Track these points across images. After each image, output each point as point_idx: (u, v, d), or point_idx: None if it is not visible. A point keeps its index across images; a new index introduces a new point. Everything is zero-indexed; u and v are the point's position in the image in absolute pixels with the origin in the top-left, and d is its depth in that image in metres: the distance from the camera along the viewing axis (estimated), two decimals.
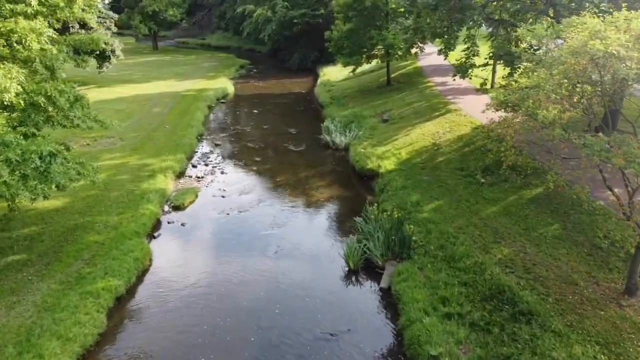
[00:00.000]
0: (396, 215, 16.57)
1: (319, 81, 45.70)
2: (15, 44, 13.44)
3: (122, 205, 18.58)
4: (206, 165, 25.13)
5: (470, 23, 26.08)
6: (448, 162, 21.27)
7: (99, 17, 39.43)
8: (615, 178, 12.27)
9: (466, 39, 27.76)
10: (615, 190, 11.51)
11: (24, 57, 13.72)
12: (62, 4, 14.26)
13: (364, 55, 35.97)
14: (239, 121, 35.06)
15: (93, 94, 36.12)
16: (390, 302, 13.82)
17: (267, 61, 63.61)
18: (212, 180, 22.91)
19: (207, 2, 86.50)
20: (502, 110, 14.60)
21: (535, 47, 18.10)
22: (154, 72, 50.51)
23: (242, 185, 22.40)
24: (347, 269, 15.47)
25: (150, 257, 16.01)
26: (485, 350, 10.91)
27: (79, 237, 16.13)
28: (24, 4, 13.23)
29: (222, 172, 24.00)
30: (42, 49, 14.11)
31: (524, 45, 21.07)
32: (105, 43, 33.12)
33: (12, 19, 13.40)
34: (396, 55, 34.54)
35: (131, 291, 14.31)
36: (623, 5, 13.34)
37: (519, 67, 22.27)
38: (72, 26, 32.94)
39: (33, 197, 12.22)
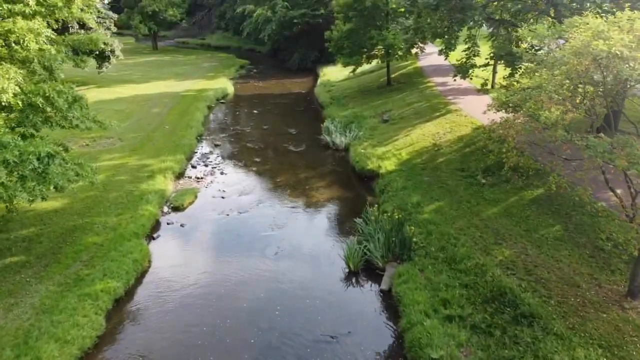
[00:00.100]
0: (397, 217, 16.49)
1: (319, 81, 45.61)
2: (13, 44, 13.35)
3: (121, 206, 18.49)
4: (206, 165, 25.04)
5: (471, 23, 25.99)
6: (449, 163, 21.19)
7: (99, 17, 39.31)
8: (618, 180, 12.16)
9: (467, 39, 27.68)
10: (618, 191, 11.43)
11: (22, 57, 13.64)
12: (60, 4, 14.17)
13: (364, 56, 35.89)
14: (238, 121, 34.97)
15: (92, 94, 36.09)
16: (390, 304, 13.73)
17: (267, 61, 63.53)
18: (211, 181, 22.82)
19: (207, 2, 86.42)
20: (503, 111, 14.53)
21: (537, 48, 18.03)
22: (154, 72, 50.42)
23: (241, 185, 22.31)
24: (347, 270, 15.38)
25: (149, 258, 15.91)
26: (486, 353, 10.82)
27: (77, 238, 16.04)
28: (22, 4, 13.14)
29: (222, 173, 23.92)
30: (40, 49, 14.03)
31: (524, 45, 21.00)
32: (104, 43, 33.02)
33: (10, 19, 13.32)
34: (396, 56, 34.46)
35: (130, 293, 14.22)
36: (626, 5, 13.26)
37: (520, 68, 22.23)
38: (72, 26, 32.86)
39: (31, 198, 12.14)
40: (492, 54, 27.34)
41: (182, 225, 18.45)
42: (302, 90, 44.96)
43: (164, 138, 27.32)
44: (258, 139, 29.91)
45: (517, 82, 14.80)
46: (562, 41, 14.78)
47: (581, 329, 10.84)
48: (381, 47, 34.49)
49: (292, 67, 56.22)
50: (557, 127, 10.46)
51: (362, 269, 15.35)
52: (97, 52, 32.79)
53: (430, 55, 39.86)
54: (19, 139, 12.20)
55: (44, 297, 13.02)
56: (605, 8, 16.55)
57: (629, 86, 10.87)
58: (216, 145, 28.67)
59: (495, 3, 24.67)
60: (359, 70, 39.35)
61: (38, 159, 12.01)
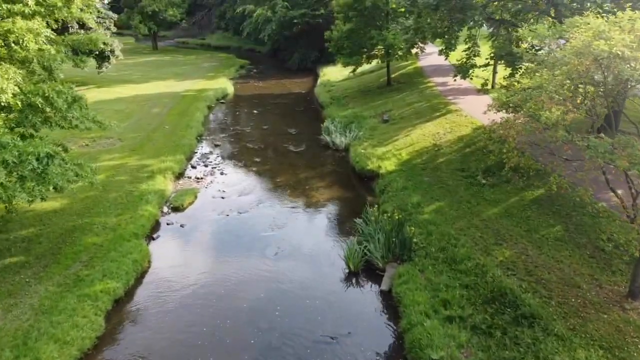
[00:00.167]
0: (397, 217, 16.45)
1: (319, 81, 45.57)
2: (12, 44, 13.31)
3: (121, 206, 18.46)
4: (205, 166, 25.01)
5: (471, 23, 25.95)
6: (449, 163, 21.15)
7: (98, 17, 39.28)
8: (619, 180, 12.13)
9: (467, 39, 27.64)
10: (619, 192, 11.40)
11: (22, 57, 13.60)
12: (59, 4, 14.13)
13: (364, 56, 35.85)
14: (238, 121, 34.94)
15: (92, 94, 36.07)
16: (390, 304, 13.69)
17: (267, 61, 63.49)
18: (211, 181, 22.79)
19: (207, 2, 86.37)
20: (504, 111, 14.50)
21: (537, 48, 18.00)
22: (154, 72, 50.39)
23: (241, 186, 22.28)
24: (347, 270, 15.35)
25: (149, 258, 15.88)
26: (487, 354, 10.79)
27: (77, 238, 16.00)
28: (21, 4, 13.10)
29: (222, 173, 23.89)
30: (40, 50, 13.99)
31: (525, 45, 20.95)
32: (104, 43, 32.99)
33: (10, 19, 13.28)
34: (396, 56, 34.42)
35: (130, 293, 14.18)
36: (627, 5, 13.23)
37: (521, 68, 22.19)
38: (71, 26, 32.84)
39: (30, 198, 12.11)
40: (492, 54, 27.31)
41: (181, 226, 18.42)
42: (302, 90, 44.92)
43: (163, 138, 27.29)
44: (258, 139, 29.87)
45: (518, 82, 14.76)
46: (562, 41, 14.75)
47: (582, 330, 10.81)
48: (381, 47, 34.46)
49: (292, 67, 56.19)
50: (558, 128, 10.43)
51: (362, 270, 15.31)
52: (97, 52, 32.77)
53: (431, 55, 39.83)
54: (18, 139, 12.16)
55: (43, 298, 12.99)
56: (607, 8, 16.50)
57: (629, 86, 10.84)
58: (216, 146, 28.64)
59: (496, 3, 24.64)
60: (359, 70, 39.32)
61: (37, 160, 11.98)
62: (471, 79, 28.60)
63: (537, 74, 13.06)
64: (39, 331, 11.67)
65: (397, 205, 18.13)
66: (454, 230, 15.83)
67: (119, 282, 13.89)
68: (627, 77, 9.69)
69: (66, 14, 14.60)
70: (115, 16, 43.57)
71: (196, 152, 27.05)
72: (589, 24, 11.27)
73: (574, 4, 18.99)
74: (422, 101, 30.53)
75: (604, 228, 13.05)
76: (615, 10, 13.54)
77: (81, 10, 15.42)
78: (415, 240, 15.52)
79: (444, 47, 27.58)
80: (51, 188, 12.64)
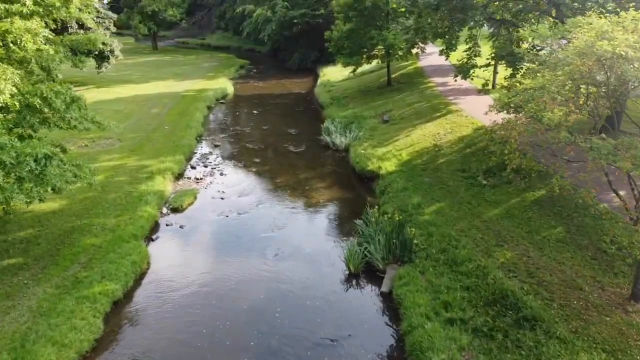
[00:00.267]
0: (397, 218, 16.34)
1: (319, 81, 45.48)
2: (11, 45, 13.22)
3: (120, 207, 18.36)
4: (205, 166, 24.92)
5: (472, 23, 25.86)
6: (449, 164, 21.06)
7: (98, 17, 39.19)
8: (622, 182, 12.04)
9: (468, 39, 27.55)
10: (621, 193, 11.31)
11: (20, 57, 13.51)
12: (58, 4, 14.04)
13: (364, 56, 35.76)
14: (238, 122, 34.85)
15: (92, 95, 36.01)
16: (391, 306, 13.60)
17: (267, 61, 63.41)
18: (211, 182, 22.69)
19: (206, 2, 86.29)
20: (505, 112, 14.41)
21: (538, 48, 17.92)
22: (153, 72, 50.31)
23: (241, 186, 22.19)
24: (347, 272, 15.26)
25: (148, 260, 15.78)
26: (488, 357, 10.69)
27: (75, 240, 15.91)
28: (19, 4, 13.00)
29: (222, 174, 23.79)
30: (38, 50, 13.90)
31: (526, 45, 20.86)
32: (103, 43, 32.89)
33: (8, 19, 13.19)
34: (396, 56, 34.33)
35: (128, 295, 14.09)
36: (630, 5, 13.14)
37: (522, 68, 22.11)
38: (71, 26, 32.73)
39: (28, 200, 12.02)
40: (493, 55, 27.22)
41: (181, 227, 18.33)
42: (302, 90, 44.83)
43: (163, 138, 27.20)
44: (258, 140, 29.78)
45: (520, 82, 14.67)
46: (564, 41, 14.67)
47: (584, 332, 10.71)
48: (381, 47, 34.37)
49: (292, 67, 56.10)
50: (561, 129, 10.33)
51: (363, 271, 15.22)
52: (96, 53, 32.66)
53: (431, 55, 39.73)
54: (16, 140, 12.07)
55: (41, 300, 12.90)
56: (609, 8, 16.40)
57: (632, 87, 10.75)
58: (216, 146, 28.55)
59: (497, 3, 24.54)
60: (359, 70, 39.23)
61: (35, 161, 11.88)
62: (472, 79, 28.50)
63: (538, 74, 12.98)
64: (37, 334, 11.57)
65: (397, 206, 18.04)
66: (455, 232, 15.74)
67: (117, 284, 13.80)
68: (631, 78, 9.60)
69: (64, 14, 14.51)
70: (114, 16, 43.47)
71: (196, 153, 26.96)
72: (591, 24, 11.18)
73: (576, 4, 18.88)
74: (423, 101, 30.45)
75: (606, 230, 12.98)
76: (618, 10, 13.44)
77: (80, 10, 15.31)
78: (415, 241, 15.42)
79: (444, 47, 27.48)
80: (49, 189, 12.55)
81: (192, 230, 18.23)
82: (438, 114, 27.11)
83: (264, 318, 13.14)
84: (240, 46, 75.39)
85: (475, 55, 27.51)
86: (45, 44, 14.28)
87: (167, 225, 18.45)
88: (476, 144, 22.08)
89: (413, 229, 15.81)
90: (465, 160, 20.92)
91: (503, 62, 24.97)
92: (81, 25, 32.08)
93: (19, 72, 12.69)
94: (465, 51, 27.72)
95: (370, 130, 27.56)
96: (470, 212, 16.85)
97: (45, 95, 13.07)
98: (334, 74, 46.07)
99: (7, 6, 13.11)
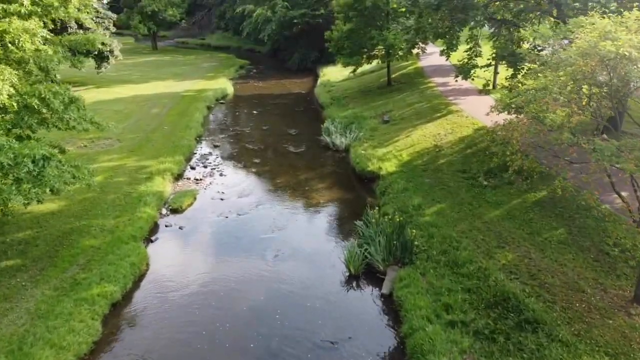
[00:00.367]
0: (397, 219, 16.25)
1: (319, 81, 45.38)
2: (9, 45, 13.13)
3: (119, 208, 18.27)
4: (205, 167, 24.82)
5: (472, 23, 25.76)
6: (450, 164, 20.97)
7: (98, 17, 39.08)
8: (625, 184, 11.94)
9: (468, 39, 27.45)
10: (623, 194, 11.21)
11: (18, 58, 13.41)
12: (56, 4, 13.94)
13: (365, 56, 35.68)
14: (238, 122, 34.76)
15: (91, 95, 35.92)
16: (392, 308, 13.51)
17: (266, 61, 63.29)
18: (210, 183, 22.60)
19: (206, 2, 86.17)
20: (506, 112, 14.31)
21: (539, 48, 17.82)
22: (153, 72, 50.21)
23: (241, 187, 22.10)
24: (347, 273, 15.17)
25: (147, 261, 15.69)
26: None
27: (74, 241, 15.82)
28: (17, 4, 12.90)
29: (221, 174, 23.69)
30: (36, 50, 13.80)
31: (527, 45, 20.76)
32: (103, 43, 32.78)
33: (6, 20, 13.09)
34: (397, 56, 34.24)
35: (127, 297, 14.00)
36: (634, 5, 13.03)
37: (523, 68, 22.01)
38: (70, 26, 32.64)
39: (26, 201, 11.94)
40: (493, 55, 27.13)
41: (180, 228, 18.23)
42: (302, 90, 44.74)
43: (162, 139, 27.11)
44: (258, 140, 29.69)
45: (522, 83, 14.57)
46: (565, 41, 14.58)
47: (587, 335, 10.62)
48: (381, 47, 34.28)
49: (292, 68, 55.99)
50: (563, 130, 10.24)
51: (363, 273, 15.13)
52: (96, 53, 32.56)
53: (431, 55, 39.63)
54: (14, 141, 11.97)
55: (39, 302, 12.82)
56: (612, 8, 16.29)
57: (635, 87, 10.65)
58: (215, 146, 28.46)
59: (497, 3, 24.44)
60: (359, 70, 39.14)
61: (33, 162, 11.79)
62: (472, 79, 28.41)
63: (539, 74, 12.88)
64: (35, 336, 11.49)
65: (397, 207, 17.95)
66: (456, 233, 15.65)
67: (116, 286, 13.71)
68: (634, 79, 9.50)
69: (63, 14, 14.41)
70: (114, 16, 43.33)
71: (195, 153, 26.86)
72: (594, 24, 11.08)
73: (577, 4, 18.78)
74: (423, 102, 30.35)
75: (609, 232, 12.85)
76: (621, 10, 13.33)
77: (78, 10, 15.21)
78: (416, 243, 15.34)
79: (445, 48, 27.39)
80: (48, 190, 12.45)
81: (192, 231, 18.14)
82: (438, 115, 27.01)
83: (264, 319, 13.06)
84: (240, 46, 75.27)
85: (476, 56, 27.42)
86: (44, 44, 14.18)
87: (166, 226, 18.36)
88: (477, 144, 22.00)
89: (414, 230, 15.72)
90: (466, 160, 20.83)
91: (504, 62, 24.87)
92: (80, 26, 31.98)
93: (17, 72, 12.59)
94: (466, 51, 27.63)
95: (370, 131, 27.46)
96: (471, 213, 16.75)
97: (43, 95, 12.97)
98: (334, 74, 45.98)
99: (5, 6, 13.01)
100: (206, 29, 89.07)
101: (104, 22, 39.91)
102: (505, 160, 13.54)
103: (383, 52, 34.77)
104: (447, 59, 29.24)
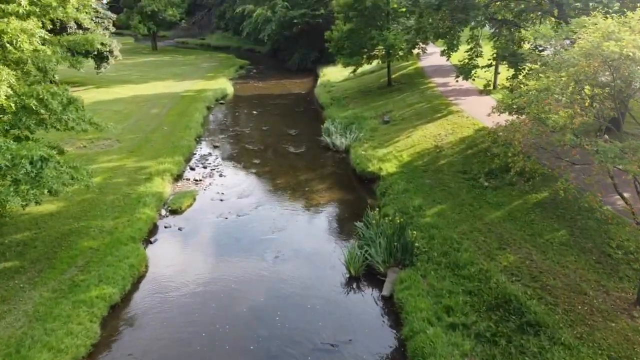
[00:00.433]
0: (398, 220, 16.16)
1: (319, 82, 45.30)
2: (7, 45, 13.03)
3: (118, 209, 18.18)
4: (204, 167, 24.72)
5: (473, 23, 25.68)
6: (451, 165, 20.88)
7: (97, 17, 38.97)
8: (629, 186, 11.84)
9: (469, 40, 27.36)
10: (625, 195, 11.11)
11: (16, 58, 13.31)
12: (54, 4, 13.85)
13: (365, 56, 35.60)
14: (238, 122, 34.67)
15: (91, 95, 35.85)
16: (392, 310, 13.41)
17: (266, 61, 63.22)
18: (210, 183, 22.50)
19: (206, 2, 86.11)
20: (507, 113, 14.21)
21: (541, 49, 17.72)
22: (153, 72, 50.13)
23: (241, 188, 22.00)
24: (348, 275, 15.07)
25: (146, 263, 15.60)
26: None
27: (73, 242, 15.73)
28: (15, 4, 12.81)
29: (221, 175, 23.60)
30: (35, 50, 13.70)
31: (527, 45, 20.67)
32: (102, 44, 32.66)
33: (4, 20, 13.00)
34: (397, 56, 34.15)
35: (126, 299, 13.90)
36: (638, 5, 12.93)
37: (524, 69, 21.92)
38: (70, 26, 32.54)
39: (24, 202, 11.85)
40: (494, 55, 27.04)
41: (180, 229, 18.14)
42: (302, 90, 44.65)
43: (162, 139, 27.02)
44: (257, 140, 29.60)
45: (523, 84, 14.48)
46: (567, 42, 14.48)
47: (589, 338, 10.53)
48: (382, 47, 34.19)
49: (292, 68, 55.90)
50: (566, 131, 10.14)
51: (363, 274, 15.04)
52: (95, 53, 32.45)
53: (431, 55, 39.56)
54: (11, 142, 11.88)
55: (37, 304, 12.72)
56: (615, 8, 16.18)
57: (638, 88, 10.55)
58: (215, 147, 28.37)
59: (498, 3, 24.35)
60: (359, 70, 39.06)
61: (31, 163, 11.71)
62: (473, 79, 28.32)
63: (540, 75, 12.78)
64: (33, 339, 11.40)
65: (398, 208, 17.85)
66: (457, 234, 15.56)
67: (115, 288, 13.62)
68: (638, 79, 9.40)
69: (61, 14, 14.32)
70: (114, 16, 43.21)
71: (195, 154, 26.77)
72: (596, 24, 10.98)
73: (578, 4, 18.69)
74: (423, 102, 30.26)
75: (611, 234, 12.77)
76: (624, 10, 13.22)
77: (77, 10, 15.12)
78: (417, 244, 15.25)
79: (446, 48, 27.30)
80: (46, 191, 12.38)
81: (191, 232, 18.04)
82: (439, 115, 26.92)
83: (264, 321, 12.97)
84: (240, 46, 75.22)
85: (476, 56, 27.34)
86: (43, 44, 14.08)
87: (165, 227, 18.26)
88: (477, 145, 21.90)
89: (414, 232, 15.63)
90: (467, 161, 20.74)
91: (505, 62, 24.79)
92: (80, 26, 31.87)
93: (14, 73, 12.49)
94: (467, 51, 27.54)
95: (370, 131, 27.37)
96: (472, 215, 16.66)
97: (41, 96, 12.89)
98: (334, 74, 45.90)
99: (3, 6, 12.91)
100: (206, 29, 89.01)
101: (103, 22, 39.81)
102: (506, 162, 13.45)
103: (383, 52, 34.69)
104: (447, 59, 29.16)
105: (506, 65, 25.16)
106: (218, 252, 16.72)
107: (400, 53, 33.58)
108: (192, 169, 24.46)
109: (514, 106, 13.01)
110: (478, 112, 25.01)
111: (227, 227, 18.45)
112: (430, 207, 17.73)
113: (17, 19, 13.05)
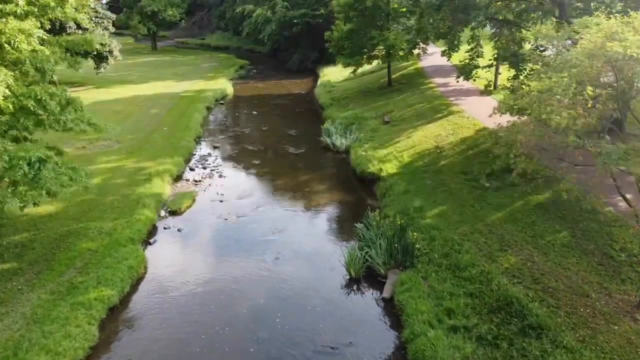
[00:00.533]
0: (399, 222, 16.05)
1: (319, 82, 45.21)
2: (5, 45, 12.92)
3: (117, 210, 18.09)
4: (204, 168, 24.63)
5: (474, 24, 25.59)
6: (451, 166, 20.78)
7: (97, 17, 38.85)
8: (625, 185, 11.75)
9: (470, 40, 27.28)
10: (627, 196, 11.02)
11: (14, 58, 13.20)
12: (52, 4, 13.74)
13: (365, 56, 35.52)
14: (238, 123, 34.59)
15: (91, 95, 35.78)
16: (393, 312, 13.31)
17: (266, 62, 63.12)
18: (210, 184, 22.41)
19: (206, 2, 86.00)
20: (508, 114, 14.11)
21: (542, 49, 17.63)
22: (153, 72, 50.04)
23: (240, 189, 21.91)
24: (348, 277, 14.98)
25: (145, 264, 15.51)
26: None
27: (71, 244, 15.64)
28: (13, 4, 12.71)
29: (221, 176, 23.50)
30: (33, 51, 13.60)
31: (528, 46, 20.58)
32: (101, 44, 32.52)
33: (3, 20, 12.89)
34: (397, 56, 34.06)
35: (125, 301, 13.81)
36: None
37: (525, 69, 21.83)
38: (69, 26, 32.42)
39: (22, 204, 11.77)
40: (495, 55, 26.95)
41: (179, 230, 18.04)
42: (302, 91, 44.56)
43: (162, 140, 26.93)
44: (257, 141, 29.51)
45: (527, 85, 14.36)
46: (569, 42, 14.38)
47: (592, 341, 10.43)
48: (382, 47, 34.11)
49: (292, 68, 55.79)
50: (569, 133, 10.04)
51: (364, 276, 14.94)
52: (95, 53, 32.34)
53: (432, 55, 39.47)
54: (9, 143, 11.79)
55: (35, 306, 12.63)
56: (619, 8, 16.08)
57: None
58: (215, 147, 28.28)
59: (499, 3, 24.26)
60: (360, 71, 38.96)
61: (29, 164, 11.61)
62: (474, 80, 28.23)
63: (542, 75, 12.67)
64: (30, 341, 11.31)
65: (398, 209, 17.76)
66: (458, 236, 15.46)
67: (113, 290, 13.52)
68: None
69: (59, 14, 14.21)
70: (113, 16, 43.03)
71: (195, 154, 26.68)
72: (599, 24, 10.88)
73: (580, 4, 18.60)
74: (424, 102, 30.16)
75: (613, 236, 12.67)
76: (627, 10, 13.11)
77: (76, 10, 15.02)
78: (417, 245, 15.15)
79: (447, 48, 27.21)
80: (44, 193, 12.29)
81: (191, 233, 17.95)
82: (439, 115, 26.83)
83: (264, 323, 12.88)
84: (239, 46, 75.14)
85: (477, 56, 27.24)
86: (41, 45, 13.97)
87: (165, 228, 18.17)
88: (478, 145, 21.81)
89: (415, 233, 15.53)
90: (468, 162, 20.64)
91: (506, 63, 24.71)
92: (79, 26, 31.75)
93: (12, 73, 12.38)
94: (468, 52, 27.44)
95: (371, 132, 27.28)
96: (473, 216, 16.57)
97: (39, 97, 12.78)
98: (334, 74, 45.80)
99: (0, 6, 12.80)
100: (206, 29, 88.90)
101: (103, 22, 39.66)
102: (508, 163, 13.34)
103: (383, 52, 34.62)
104: (448, 60, 29.07)
105: (507, 66, 25.07)
106: (218, 253, 16.63)
107: (401, 53, 33.52)
108: (191, 169, 24.37)
109: (516, 107, 12.90)
110: (479, 113, 24.92)
111: (226, 228, 18.36)
112: (431, 208, 17.63)
113: (15, 19, 12.95)
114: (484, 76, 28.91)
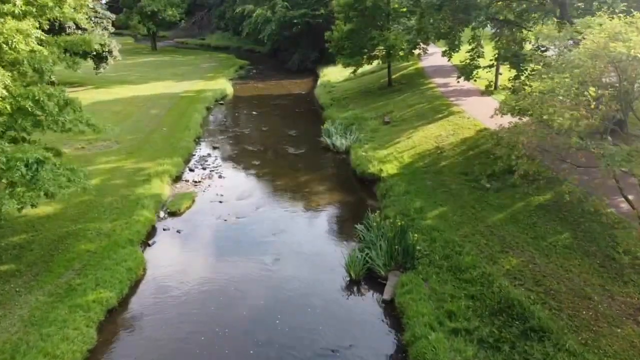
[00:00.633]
0: (399, 223, 15.94)
1: (319, 82, 45.13)
2: (3, 46, 12.83)
3: (116, 211, 17.99)
4: (204, 168, 24.53)
5: (474, 24, 25.50)
6: (452, 167, 20.70)
7: (96, 17, 38.78)
8: (627, 185, 11.64)
9: (470, 40, 27.19)
10: (629, 197, 10.92)
11: (12, 59, 13.11)
12: (51, 4, 13.65)
13: (365, 56, 35.44)
14: (237, 123, 34.50)
15: (90, 95, 35.70)
16: (393, 314, 13.22)
17: (266, 62, 63.05)
18: (209, 185, 22.31)
19: (206, 2, 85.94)
20: (509, 114, 14.01)
21: (543, 49, 17.53)
22: (152, 72, 49.96)
23: (240, 189, 21.82)
24: (348, 278, 14.88)
25: (144, 266, 15.41)
26: None
27: (70, 245, 15.54)
28: (10, 4, 12.62)
29: (220, 176, 23.41)
30: (31, 51, 13.51)
31: (529, 46, 20.49)
32: (101, 44, 32.44)
33: (1, 20, 12.80)
34: (397, 56, 33.98)
35: (123, 303, 13.69)
36: None
37: (526, 69, 21.74)
38: (68, 27, 32.34)
39: (19, 205, 11.67)
40: (496, 55, 26.86)
41: (178, 231, 17.95)
42: (302, 91, 44.47)
43: (161, 140, 26.84)
44: (257, 141, 29.42)
45: (528, 85, 14.27)
46: (570, 42, 14.29)
47: (594, 345, 10.33)
48: (382, 47, 34.03)
49: (292, 68, 55.71)
50: (571, 134, 9.95)
51: (364, 278, 14.83)
52: (94, 53, 32.25)
53: (432, 55, 39.38)
54: (6, 144, 11.70)
55: (33, 309, 12.53)
56: (622, 7, 15.98)
57: None
58: (215, 148, 28.19)
59: (500, 3, 24.18)
60: (360, 71, 38.87)
61: (26, 166, 11.52)
62: (475, 80, 28.14)
63: (544, 76, 12.58)
64: (28, 344, 11.21)
65: (399, 210, 17.67)
66: (458, 237, 15.37)
67: (112, 292, 13.41)
68: None
69: (58, 14, 14.12)
70: (113, 16, 42.97)
71: (194, 155, 26.58)
72: (602, 24, 10.79)
73: (581, 4, 18.51)
74: (424, 103, 30.08)
75: (616, 238, 12.54)
76: (631, 10, 13.01)
77: (74, 9, 14.93)
78: (418, 247, 15.05)
79: (447, 48, 27.13)
80: (42, 194, 12.19)
81: (190, 234, 17.85)
82: (440, 116, 26.74)
83: (264, 326, 12.79)
84: (239, 46, 75.07)
85: (478, 56, 27.16)
86: (39, 45, 13.88)
87: (164, 229, 18.08)
88: (479, 146, 21.72)
89: (415, 234, 15.43)
90: (468, 163, 20.55)
91: (506, 63, 24.62)
92: (78, 26, 31.65)
93: (10, 74, 12.29)
94: (468, 52, 27.36)
95: (371, 132, 27.19)
96: (474, 217, 16.47)
97: (37, 97, 12.68)
98: (334, 74, 45.72)
99: None
100: (206, 29, 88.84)
101: (102, 22, 39.60)
102: (509, 164, 13.25)
103: (384, 52, 34.53)
104: (448, 60, 28.98)
105: (508, 66, 24.98)
106: (217, 254, 16.53)
107: (401, 53, 33.42)
108: (191, 170, 24.27)
109: (517, 108, 12.81)
110: (479, 113, 24.84)
111: (226, 229, 18.26)
112: (432, 209, 17.54)
113: (12, 19, 12.86)
114: (484, 76, 28.81)
